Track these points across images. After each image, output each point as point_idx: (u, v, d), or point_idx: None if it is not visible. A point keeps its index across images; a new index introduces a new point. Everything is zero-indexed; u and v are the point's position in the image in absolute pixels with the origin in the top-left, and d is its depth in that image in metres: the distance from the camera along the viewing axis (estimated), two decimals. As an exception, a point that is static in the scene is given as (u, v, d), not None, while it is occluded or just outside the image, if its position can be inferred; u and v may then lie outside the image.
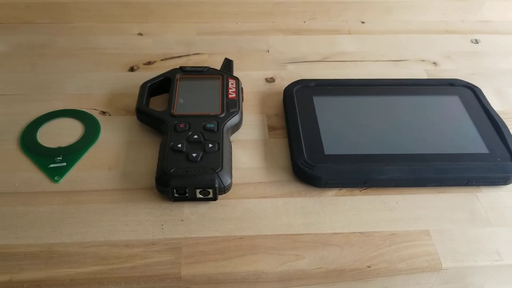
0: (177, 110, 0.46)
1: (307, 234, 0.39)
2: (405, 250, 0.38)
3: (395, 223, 0.40)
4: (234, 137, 0.47)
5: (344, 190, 0.43)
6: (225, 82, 0.50)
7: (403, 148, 0.45)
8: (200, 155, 0.41)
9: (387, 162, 0.43)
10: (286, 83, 0.53)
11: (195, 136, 0.43)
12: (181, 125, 0.44)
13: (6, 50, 0.58)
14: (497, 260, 0.38)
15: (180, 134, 0.44)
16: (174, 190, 0.40)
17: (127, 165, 0.44)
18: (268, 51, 0.60)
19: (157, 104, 0.50)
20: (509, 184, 0.43)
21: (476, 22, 0.67)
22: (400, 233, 0.39)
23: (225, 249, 0.38)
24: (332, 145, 0.45)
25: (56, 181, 0.42)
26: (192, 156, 0.41)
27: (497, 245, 0.39)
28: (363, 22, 0.66)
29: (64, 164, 0.44)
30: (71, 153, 0.45)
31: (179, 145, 0.42)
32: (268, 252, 0.37)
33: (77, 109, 0.50)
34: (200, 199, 0.41)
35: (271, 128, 0.49)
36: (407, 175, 0.42)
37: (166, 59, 0.58)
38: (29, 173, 0.43)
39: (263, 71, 0.57)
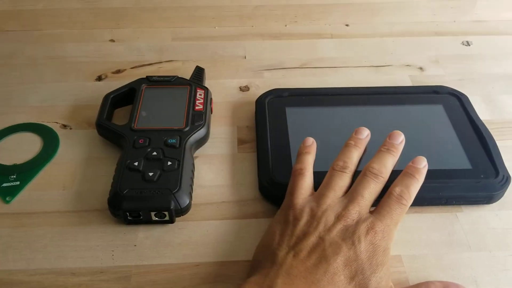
0: (138, 124, 0.44)
1: (268, 260, 0.36)
2: (373, 278, 0.35)
3: (365, 248, 0.37)
4: (200, 152, 0.45)
5: (312, 211, 0.40)
6: (193, 93, 0.47)
7: (378, 163, 0.41)
8: (158, 174, 0.39)
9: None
10: (261, 92, 0.50)
11: (154, 153, 0.41)
12: (140, 141, 0.42)
13: (-29, 60, 0.56)
14: (474, 290, 0.34)
15: (138, 150, 0.41)
16: (127, 213, 0.37)
17: (83, 183, 0.42)
18: (245, 57, 0.57)
19: (122, 116, 0.47)
20: (492, 203, 0.40)
21: (468, 22, 0.63)
22: (370, 258, 0.36)
23: (179, 278, 0.35)
24: (301, 161, 0.42)
25: (7, 202, 0.40)
26: (149, 175, 0.39)
27: (474, 272, 0.35)
28: (347, 25, 0.63)
29: (18, 183, 0.42)
30: (26, 171, 0.43)
31: (136, 163, 0.40)
32: (225, 281, 0.35)
33: (37, 122, 0.47)
34: (156, 222, 0.38)
35: (240, 142, 0.46)
36: (379, 193, 0.39)
37: (136, 67, 0.55)
38: (-20, 193, 0.41)
39: (237, 79, 0.54)
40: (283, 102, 0.48)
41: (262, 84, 0.53)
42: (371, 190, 0.36)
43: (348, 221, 0.34)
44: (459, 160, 0.42)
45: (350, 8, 0.62)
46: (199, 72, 0.51)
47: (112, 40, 0.59)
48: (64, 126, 0.47)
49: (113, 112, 0.48)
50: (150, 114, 0.45)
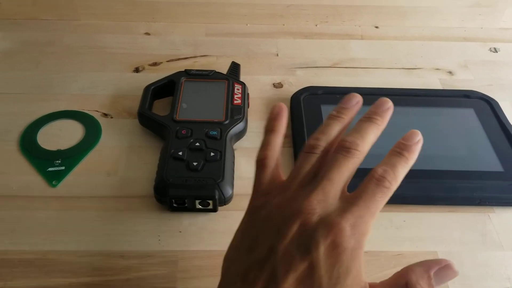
0: (179, 116, 0.45)
1: (308, 251, 0.37)
2: (410, 272, 0.36)
3: (401, 243, 0.38)
4: (238, 145, 0.46)
5: (349, 206, 0.41)
6: (230, 87, 0.48)
7: (413, 163, 0.43)
8: (201, 164, 0.40)
9: (396, 178, 0.41)
10: (294, 89, 0.51)
11: (197, 144, 0.42)
12: (183, 132, 0.43)
13: (10, 47, 0.57)
14: (508, 287, 0.36)
15: (181, 140, 0.42)
16: (173, 200, 0.39)
17: (126, 170, 0.43)
18: (277, 54, 0.58)
19: (161, 107, 0.49)
20: (523, 205, 0.41)
21: (495, 29, 0.65)
22: (406, 253, 0.38)
23: (223, 265, 0.36)
24: (338, 157, 0.43)
25: (53, 186, 0.41)
26: (193, 164, 0.40)
27: (508, 270, 0.37)
28: (376, 27, 0.64)
29: (63, 168, 0.43)
30: (71, 157, 0.44)
31: (180, 153, 0.41)
32: (267, 269, 0.36)
33: (79, 110, 0.49)
34: (199, 210, 0.39)
35: (276, 136, 0.47)
36: (416, 192, 0.40)
37: (172, 60, 0.56)
38: (27, 176, 0.42)
39: (271, 75, 0.55)
40: (318, 99, 0.49)
41: (295, 82, 0.54)
42: (341, 169, 0.27)
43: (307, 217, 0.25)
44: (491, 162, 0.43)
45: (379, 10, 0.63)
46: (235, 67, 0.52)
47: (147, 33, 0.60)
48: (105, 114, 0.48)
49: (153, 103, 0.49)
50: (191, 106, 0.46)
